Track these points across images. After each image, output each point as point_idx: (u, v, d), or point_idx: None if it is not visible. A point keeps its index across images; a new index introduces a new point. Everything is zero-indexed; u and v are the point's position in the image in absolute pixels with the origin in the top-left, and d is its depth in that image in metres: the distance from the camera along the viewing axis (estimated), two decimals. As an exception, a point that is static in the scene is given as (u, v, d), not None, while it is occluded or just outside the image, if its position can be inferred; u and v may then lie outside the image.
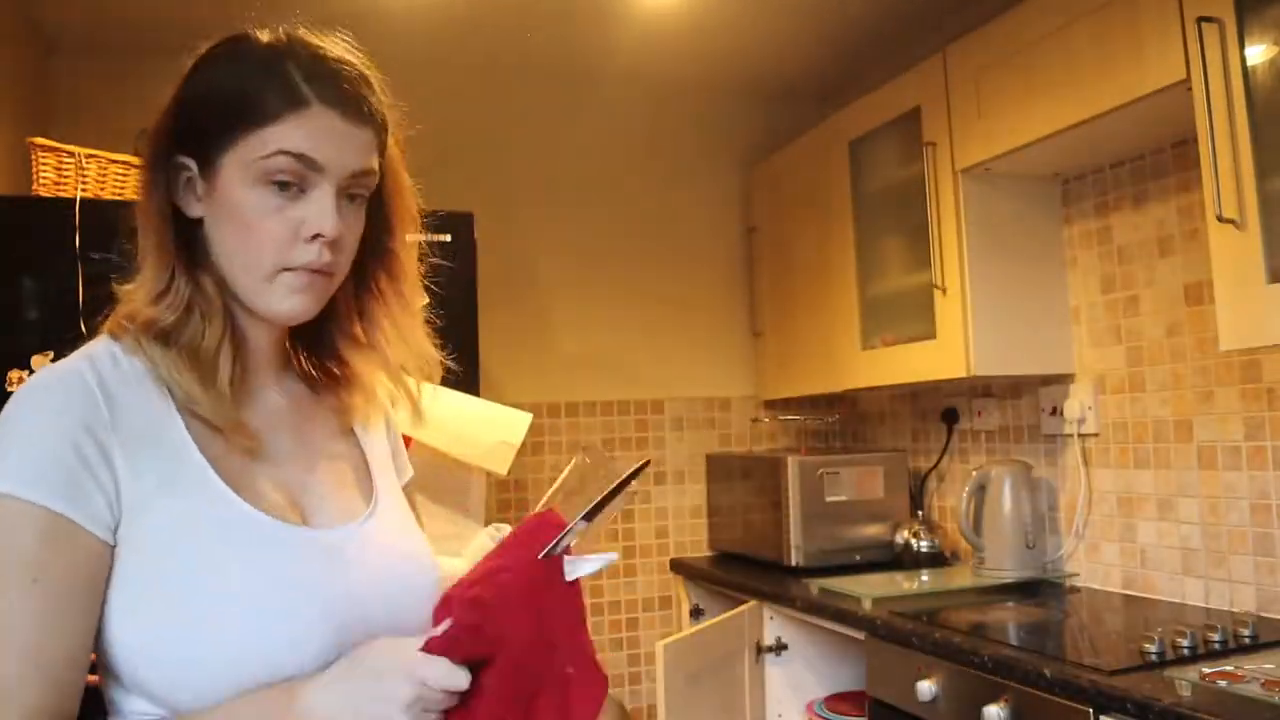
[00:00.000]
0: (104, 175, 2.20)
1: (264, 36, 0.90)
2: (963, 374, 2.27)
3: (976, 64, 2.20)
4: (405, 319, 0.99)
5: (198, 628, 0.77)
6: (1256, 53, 1.59)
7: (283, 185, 0.84)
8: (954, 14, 2.63)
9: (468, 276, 2.33)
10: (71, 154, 2.17)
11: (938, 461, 2.84)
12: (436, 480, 2.25)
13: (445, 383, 2.46)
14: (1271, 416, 1.92)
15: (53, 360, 1.99)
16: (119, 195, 2.22)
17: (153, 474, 0.80)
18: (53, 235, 2.03)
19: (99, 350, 0.85)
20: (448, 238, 2.32)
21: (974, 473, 2.45)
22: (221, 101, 0.85)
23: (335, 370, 1.00)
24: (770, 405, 3.30)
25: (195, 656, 0.77)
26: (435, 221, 2.62)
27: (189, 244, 0.88)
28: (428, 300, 1.04)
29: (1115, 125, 1.96)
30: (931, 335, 2.36)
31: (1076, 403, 2.33)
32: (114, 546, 0.79)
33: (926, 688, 1.88)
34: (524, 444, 2.19)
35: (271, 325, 0.92)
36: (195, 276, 0.87)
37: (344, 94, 0.86)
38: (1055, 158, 2.22)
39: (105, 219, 2.10)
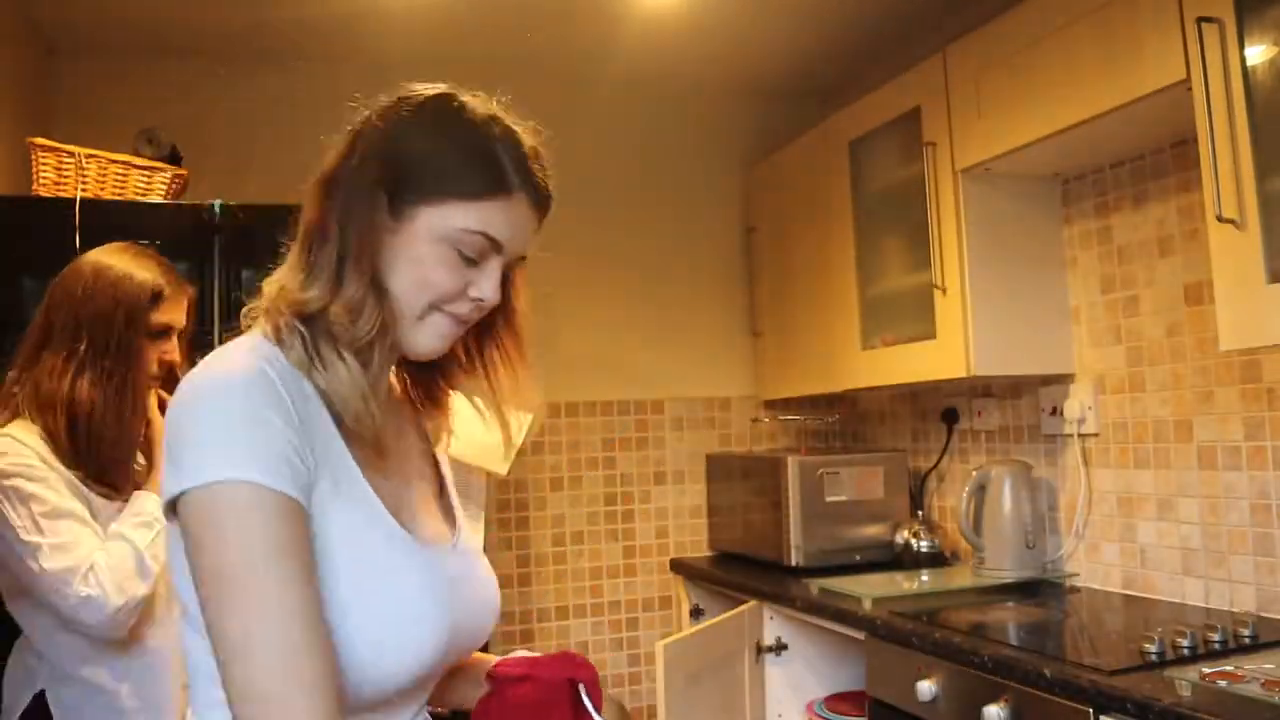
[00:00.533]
0: (104, 175, 2.20)
1: (477, 109, 0.95)
2: (963, 374, 2.27)
3: (976, 64, 2.20)
4: (520, 366, 1.08)
5: (348, 629, 0.81)
6: (1256, 53, 1.59)
7: (465, 254, 0.90)
8: (954, 14, 2.63)
9: (468, 276, 2.33)
10: (71, 154, 2.17)
11: (938, 461, 2.84)
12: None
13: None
14: (1271, 416, 1.92)
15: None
16: (119, 195, 2.22)
17: (328, 479, 0.84)
18: (53, 235, 2.03)
19: (268, 351, 0.86)
20: (448, 238, 2.32)
21: (974, 473, 2.45)
22: (434, 163, 0.90)
23: (428, 393, 1.05)
24: (770, 405, 3.30)
25: (357, 644, 0.82)
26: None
27: (376, 257, 0.91)
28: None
29: (1115, 125, 1.96)
30: (931, 335, 2.36)
31: (1076, 403, 2.33)
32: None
33: (926, 688, 1.88)
34: (524, 444, 2.19)
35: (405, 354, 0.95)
36: (381, 300, 0.88)
37: (539, 187, 0.94)
38: (1055, 158, 2.22)
39: (105, 219, 2.11)
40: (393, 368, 1.01)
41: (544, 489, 3.08)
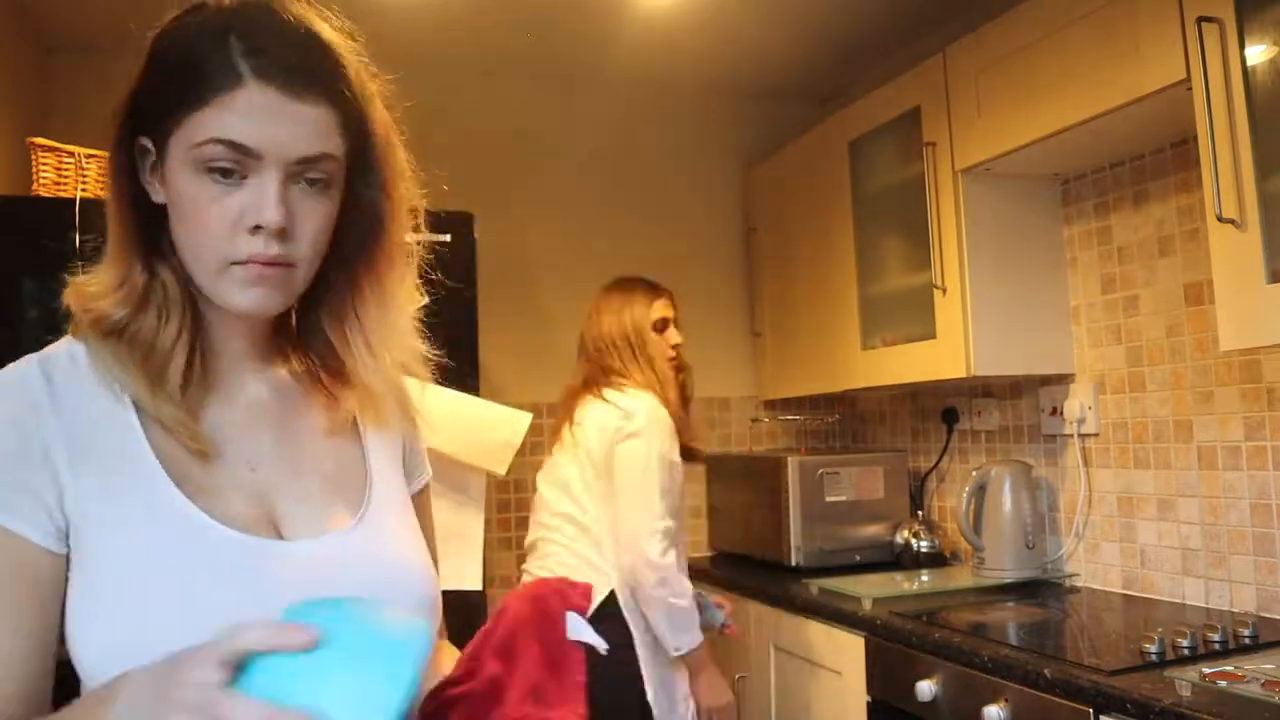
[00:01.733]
0: (104, 175, 2.20)
1: (219, 2, 0.80)
2: (962, 374, 2.27)
3: (976, 64, 2.20)
4: (390, 316, 0.91)
5: (155, 642, 0.68)
6: (1256, 53, 1.59)
7: (224, 172, 0.76)
8: (954, 14, 2.63)
9: (468, 276, 2.33)
10: (71, 154, 2.17)
11: (938, 461, 2.84)
12: (436, 480, 2.25)
13: (445, 382, 2.47)
14: (1271, 416, 1.92)
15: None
16: (119, 195, 2.22)
17: (96, 479, 0.76)
18: (53, 235, 2.03)
19: (59, 350, 0.81)
20: (448, 238, 2.32)
21: (974, 473, 2.45)
22: (168, 79, 0.77)
23: (335, 365, 0.91)
24: (770, 405, 3.30)
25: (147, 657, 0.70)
26: (435, 221, 2.63)
27: (158, 232, 0.82)
28: (423, 298, 0.97)
29: (1115, 125, 1.96)
30: (931, 335, 2.36)
31: (1076, 403, 2.33)
32: (66, 553, 0.76)
33: (926, 688, 1.88)
34: (524, 444, 2.19)
35: (240, 318, 0.84)
36: (154, 268, 0.81)
37: (288, 66, 0.76)
38: (1055, 158, 2.22)
39: (105, 219, 2.11)
40: (286, 346, 0.91)
41: (544, 489, 3.07)
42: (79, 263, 0.86)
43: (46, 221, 2.04)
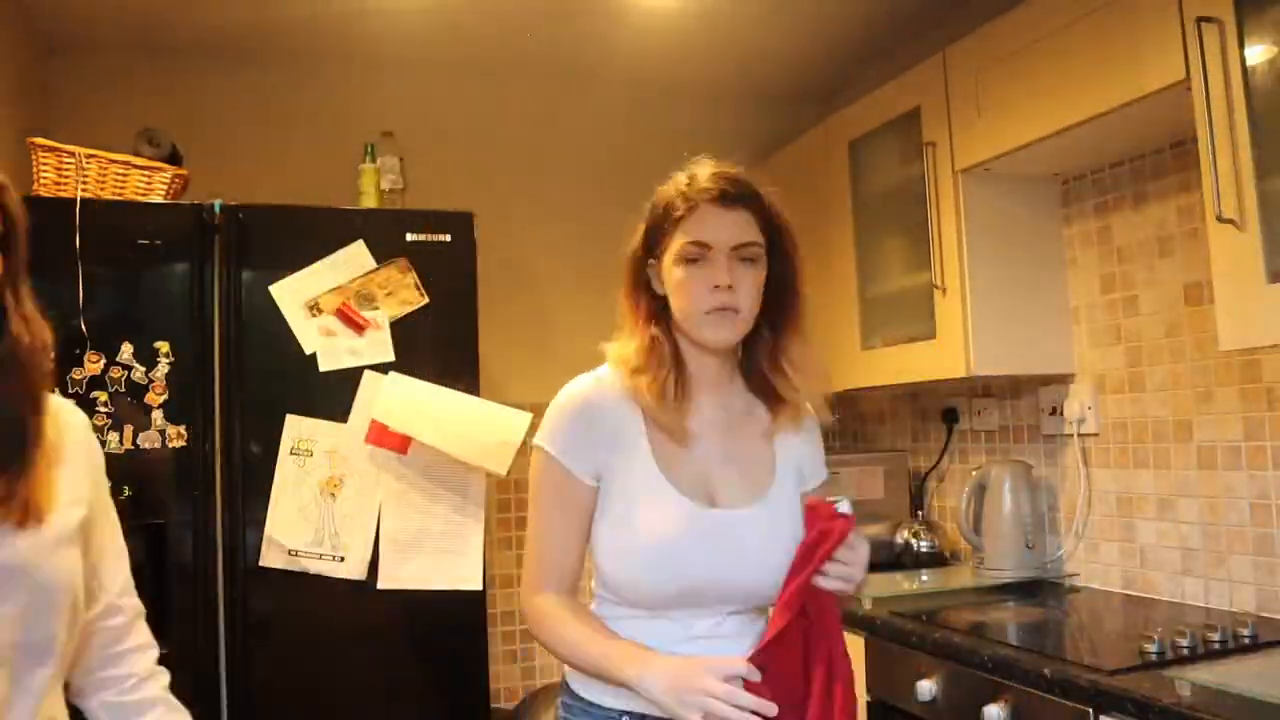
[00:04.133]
0: (104, 175, 2.21)
1: (669, 181, 1.39)
2: (963, 374, 2.27)
3: (976, 64, 2.20)
4: (808, 352, 1.37)
5: (625, 543, 1.27)
6: (1256, 53, 1.59)
7: (692, 260, 1.29)
8: (954, 14, 2.62)
9: (468, 276, 2.33)
10: (71, 154, 2.17)
11: (938, 461, 2.84)
12: (436, 480, 2.25)
13: (445, 382, 2.47)
14: (1271, 416, 1.92)
15: (52, 360, 1.99)
16: (119, 195, 2.22)
17: (622, 455, 1.30)
18: (53, 235, 2.03)
19: (605, 374, 1.35)
20: (448, 238, 2.32)
21: (974, 473, 2.45)
22: (656, 219, 1.36)
23: (768, 389, 1.37)
24: (770, 405, 3.29)
25: (623, 562, 1.27)
26: (435, 221, 2.64)
27: (660, 312, 1.35)
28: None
29: (1115, 125, 1.96)
30: (931, 335, 2.36)
31: (1076, 403, 2.33)
32: (597, 490, 1.30)
33: (926, 688, 1.88)
34: (524, 444, 2.19)
35: (710, 354, 1.34)
36: (654, 333, 1.33)
37: (720, 191, 1.31)
38: (1055, 158, 2.22)
39: (105, 219, 2.11)
40: (737, 372, 1.39)
41: (544, 489, 3.07)
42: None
43: (46, 221, 2.04)
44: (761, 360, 1.37)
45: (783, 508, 1.32)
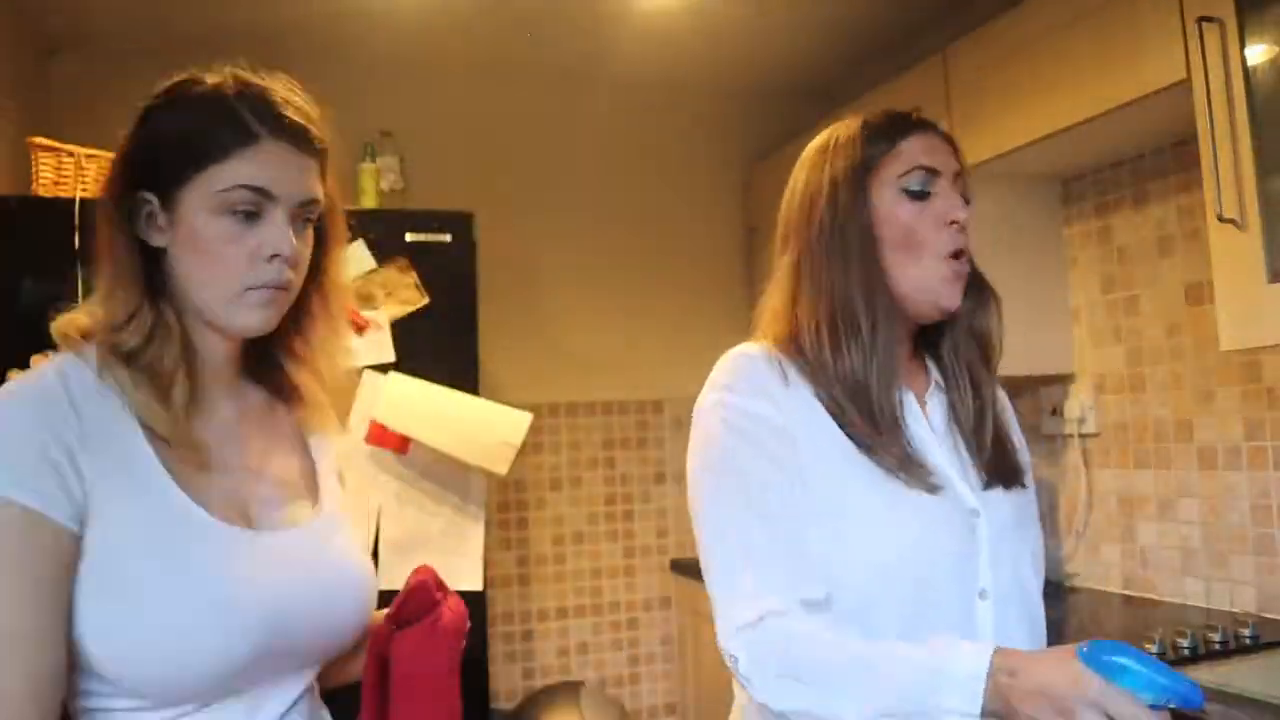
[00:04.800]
0: (104, 175, 2.20)
1: (211, 79, 0.97)
2: (963, 374, 2.27)
3: (976, 64, 2.20)
4: (336, 334, 1.08)
5: (144, 615, 0.85)
6: (1256, 53, 1.59)
7: (246, 215, 0.92)
8: (954, 14, 2.62)
9: (468, 276, 2.33)
10: (71, 154, 2.17)
11: (938, 461, 2.84)
12: (436, 480, 2.25)
13: (445, 382, 2.47)
14: (1271, 416, 1.92)
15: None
16: (119, 195, 2.22)
17: (116, 478, 0.88)
18: (53, 235, 2.03)
19: (67, 366, 0.92)
20: (448, 238, 2.32)
21: (974, 473, 2.44)
22: (178, 142, 0.93)
23: (285, 383, 1.07)
24: (770, 405, 3.29)
25: (142, 640, 0.85)
26: (435, 221, 2.64)
27: (150, 272, 0.96)
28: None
29: (1115, 125, 1.95)
30: (931, 335, 2.36)
31: (1076, 403, 2.33)
32: (80, 538, 0.86)
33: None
34: (524, 444, 2.19)
35: (227, 342, 0.99)
36: (157, 305, 0.95)
37: (293, 127, 0.95)
38: (1055, 158, 2.22)
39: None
40: (237, 363, 1.04)
41: (544, 489, 3.08)
42: (77, 269, 0.97)
43: (46, 221, 2.04)
44: (277, 345, 1.04)
45: (337, 524, 1.04)
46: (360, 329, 2.23)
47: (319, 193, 0.98)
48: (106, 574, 0.86)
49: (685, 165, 3.30)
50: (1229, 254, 1.62)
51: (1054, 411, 2.41)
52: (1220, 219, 1.61)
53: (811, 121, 2.99)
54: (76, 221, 2.06)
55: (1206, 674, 1.51)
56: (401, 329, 2.26)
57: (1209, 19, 1.61)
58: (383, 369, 2.24)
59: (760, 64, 3.10)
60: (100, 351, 0.93)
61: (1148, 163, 2.18)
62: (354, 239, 2.27)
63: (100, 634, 0.85)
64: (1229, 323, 1.63)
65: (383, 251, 2.27)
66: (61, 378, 0.90)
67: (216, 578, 0.89)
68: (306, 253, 0.98)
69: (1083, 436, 2.33)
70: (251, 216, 0.93)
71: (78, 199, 2.09)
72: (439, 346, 2.29)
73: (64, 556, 0.85)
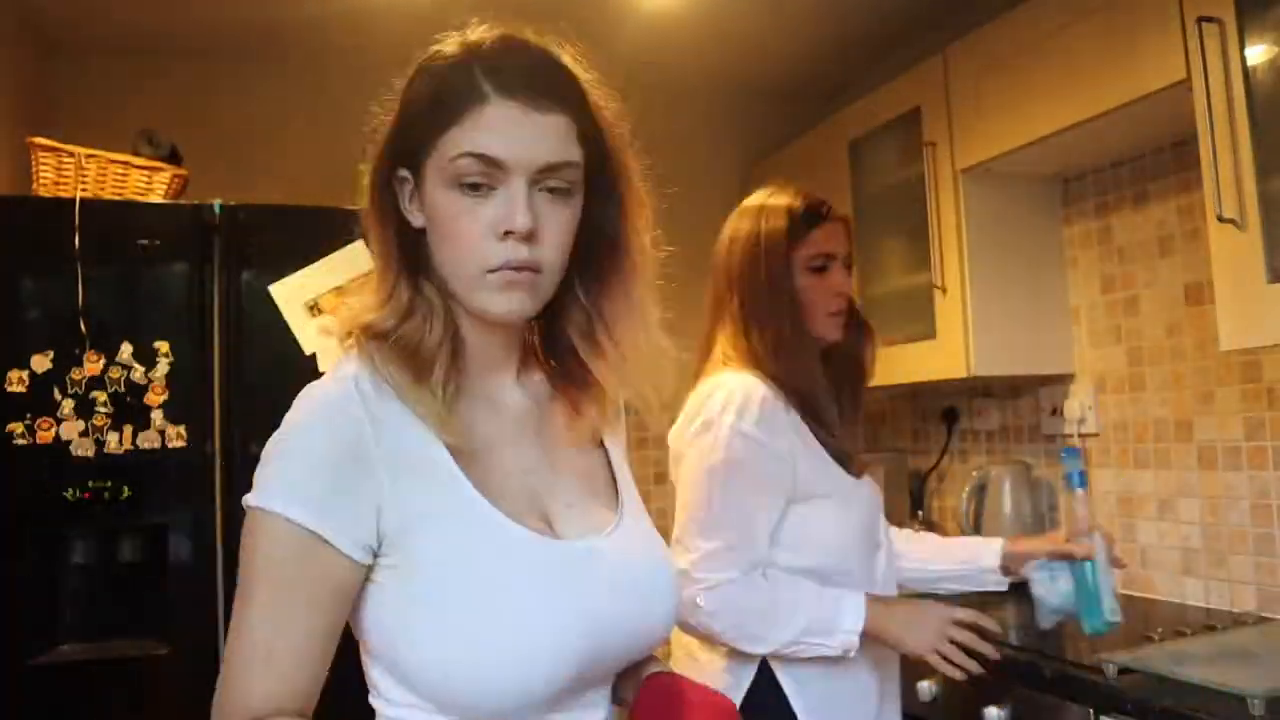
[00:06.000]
0: (104, 175, 2.20)
1: (457, 39, 0.90)
2: (963, 374, 2.27)
3: (976, 64, 2.20)
4: (641, 323, 0.95)
5: (467, 640, 0.80)
6: (1256, 53, 1.59)
7: (473, 186, 0.83)
8: (954, 14, 2.62)
9: (468, 276, 2.32)
10: (71, 154, 2.17)
11: (938, 461, 2.84)
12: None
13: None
14: (1271, 416, 1.92)
15: (52, 361, 1.99)
16: (119, 195, 2.22)
17: (420, 496, 0.83)
18: (53, 235, 2.03)
19: (356, 369, 0.86)
20: (448, 238, 2.31)
21: (974, 473, 2.45)
22: (420, 112, 0.86)
23: (579, 374, 0.96)
24: (770, 405, 3.29)
25: (467, 664, 0.80)
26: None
27: (417, 253, 0.89)
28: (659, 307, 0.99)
29: (1115, 125, 1.95)
30: (931, 335, 2.36)
31: (1076, 403, 2.33)
32: (372, 563, 0.82)
33: (926, 688, 1.88)
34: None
35: (496, 329, 0.91)
36: (417, 282, 0.88)
37: (526, 83, 0.84)
38: (1055, 158, 2.22)
39: (105, 219, 2.11)
40: (535, 353, 0.98)
41: (544, 489, 3.07)
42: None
43: (46, 221, 2.04)
44: (571, 332, 0.96)
45: (641, 526, 0.99)
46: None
47: (567, 155, 0.85)
48: (422, 600, 0.81)
49: (685, 164, 3.29)
50: (1229, 254, 1.62)
51: (1054, 411, 2.41)
52: (1220, 219, 1.61)
53: (811, 122, 3.00)
54: (76, 221, 2.06)
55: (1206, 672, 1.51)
56: (402, 329, 2.26)
57: (1209, 19, 1.61)
58: (383, 369, 2.23)
59: (760, 64, 3.10)
60: (359, 332, 0.87)
61: (1148, 163, 2.18)
62: (355, 239, 2.27)
63: (412, 646, 0.82)
64: (1229, 323, 1.63)
65: (383, 251, 2.26)
66: (355, 382, 0.84)
67: (538, 599, 0.83)
68: (558, 229, 0.86)
69: (1083, 436, 2.33)
70: (481, 189, 0.83)
71: (77, 199, 2.09)
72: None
73: (343, 583, 0.81)
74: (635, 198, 0.95)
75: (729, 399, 1.51)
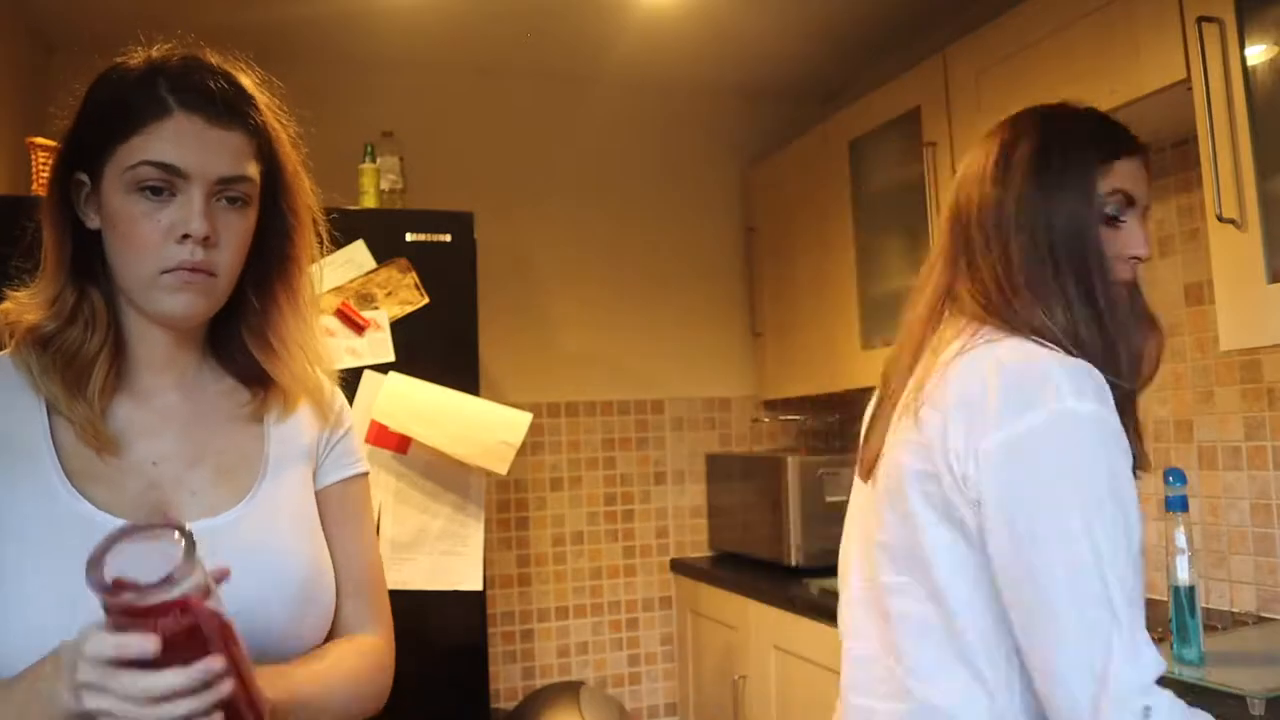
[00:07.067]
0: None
1: (129, 60, 0.94)
2: (963, 374, 2.27)
3: (976, 64, 2.20)
4: (304, 323, 1.02)
5: (32, 629, 0.81)
6: (1256, 53, 1.59)
7: (154, 190, 0.88)
8: (954, 14, 2.63)
9: (468, 276, 2.33)
10: (71, 154, 2.17)
11: (938, 461, 2.83)
12: (436, 480, 2.25)
13: (445, 382, 2.47)
14: (1271, 416, 1.92)
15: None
16: (119, 195, 2.22)
17: (22, 462, 0.88)
18: (53, 235, 2.03)
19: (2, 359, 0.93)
20: (448, 238, 2.32)
21: (974, 473, 2.44)
22: (100, 117, 0.91)
23: (250, 373, 1.02)
24: (770, 405, 3.30)
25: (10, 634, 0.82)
26: (435, 221, 2.64)
27: (90, 256, 0.94)
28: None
29: (1115, 125, 1.95)
30: (931, 335, 2.36)
31: (1076, 403, 2.33)
32: None
33: None
34: (524, 444, 2.19)
35: (165, 329, 0.95)
36: (84, 287, 0.93)
37: (208, 99, 0.90)
38: (1055, 158, 2.21)
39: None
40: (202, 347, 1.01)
41: (544, 489, 3.08)
42: (19, 277, 1.00)
43: (46, 221, 2.04)
44: (243, 332, 1.01)
45: (276, 511, 0.98)
46: (360, 329, 2.23)
47: (244, 169, 0.92)
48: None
49: (685, 165, 3.30)
50: (1229, 254, 1.62)
51: (1054, 411, 2.40)
52: (1220, 219, 1.61)
53: (811, 122, 3.00)
54: (76, 221, 2.06)
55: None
56: (401, 329, 2.26)
57: (1209, 19, 1.61)
58: (383, 369, 2.24)
59: (760, 64, 3.10)
60: (18, 335, 0.93)
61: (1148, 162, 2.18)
62: (354, 239, 2.27)
63: None
64: (1229, 323, 1.63)
65: (383, 251, 2.26)
66: None
67: (50, 574, 0.84)
68: (234, 236, 0.92)
69: (1082, 436, 2.33)
70: (162, 194, 0.88)
71: (78, 199, 2.09)
72: (439, 346, 2.29)
73: None
74: (303, 219, 1.01)
75: (1058, 386, 1.04)
